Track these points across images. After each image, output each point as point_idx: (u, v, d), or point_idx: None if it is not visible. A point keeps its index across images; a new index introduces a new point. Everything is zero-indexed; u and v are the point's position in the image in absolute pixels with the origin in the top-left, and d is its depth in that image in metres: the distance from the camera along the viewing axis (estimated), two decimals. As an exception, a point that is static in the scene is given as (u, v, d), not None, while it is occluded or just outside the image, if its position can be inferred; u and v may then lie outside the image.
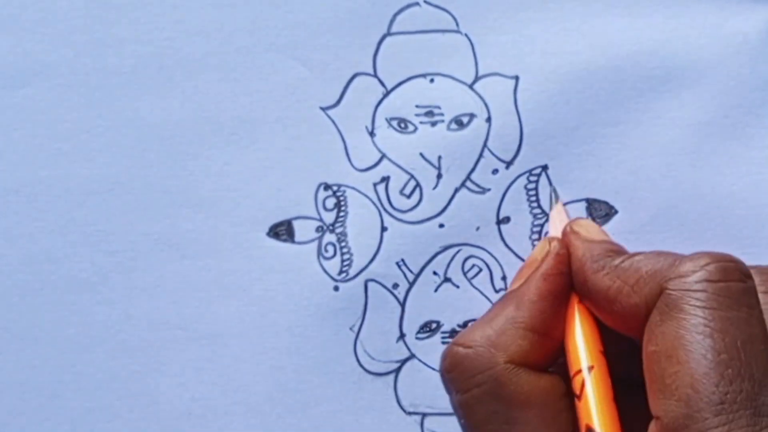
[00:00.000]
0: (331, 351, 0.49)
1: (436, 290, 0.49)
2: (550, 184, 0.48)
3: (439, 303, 0.49)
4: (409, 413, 0.49)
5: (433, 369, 0.49)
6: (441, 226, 0.49)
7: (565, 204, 0.48)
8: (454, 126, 0.49)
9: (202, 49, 0.49)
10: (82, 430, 0.49)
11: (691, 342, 0.36)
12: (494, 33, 0.49)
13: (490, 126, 0.49)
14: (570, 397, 0.41)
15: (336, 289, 0.49)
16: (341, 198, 0.49)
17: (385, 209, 0.49)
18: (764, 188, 0.48)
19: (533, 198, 0.49)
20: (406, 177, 0.49)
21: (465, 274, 0.49)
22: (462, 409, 0.42)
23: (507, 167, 0.49)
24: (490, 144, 0.49)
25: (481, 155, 0.49)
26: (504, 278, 0.49)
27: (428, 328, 0.49)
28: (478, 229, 0.49)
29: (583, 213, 0.48)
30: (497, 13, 0.49)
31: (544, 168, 0.49)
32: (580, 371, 0.40)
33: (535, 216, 0.49)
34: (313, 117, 0.49)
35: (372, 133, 0.49)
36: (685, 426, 0.35)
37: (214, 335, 0.49)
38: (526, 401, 0.40)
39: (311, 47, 0.49)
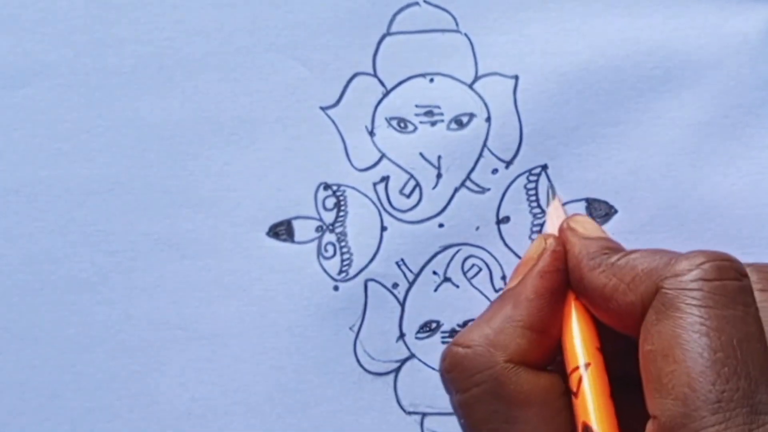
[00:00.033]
0: (331, 351, 0.49)
1: (435, 290, 0.49)
2: (549, 182, 0.48)
3: (438, 303, 0.49)
4: (409, 413, 0.49)
5: (433, 369, 0.49)
6: (441, 225, 0.49)
7: (564, 204, 0.48)
8: (453, 126, 0.49)
9: (202, 49, 0.49)
10: (82, 430, 0.49)
11: (687, 341, 0.36)
12: (494, 33, 0.49)
13: (489, 126, 0.49)
14: (569, 395, 0.41)
15: (336, 288, 0.49)
16: (341, 198, 0.49)
17: (384, 209, 0.49)
18: (764, 188, 0.48)
19: (533, 198, 0.49)
20: (406, 177, 0.49)
21: (465, 273, 0.49)
22: (462, 409, 0.42)
23: (507, 167, 0.49)
24: (489, 144, 0.49)
25: (480, 155, 0.49)
26: (504, 278, 0.49)
27: (428, 328, 0.49)
28: (477, 228, 0.49)
29: (583, 212, 0.48)
30: (497, 13, 0.49)
31: (544, 168, 0.49)
32: (576, 368, 0.40)
33: (534, 215, 0.49)
34: (313, 117, 0.49)
35: (372, 133, 0.49)
36: (683, 425, 0.35)
37: (214, 335, 0.49)
38: (526, 400, 0.40)
39: (311, 47, 0.49)
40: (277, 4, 0.49)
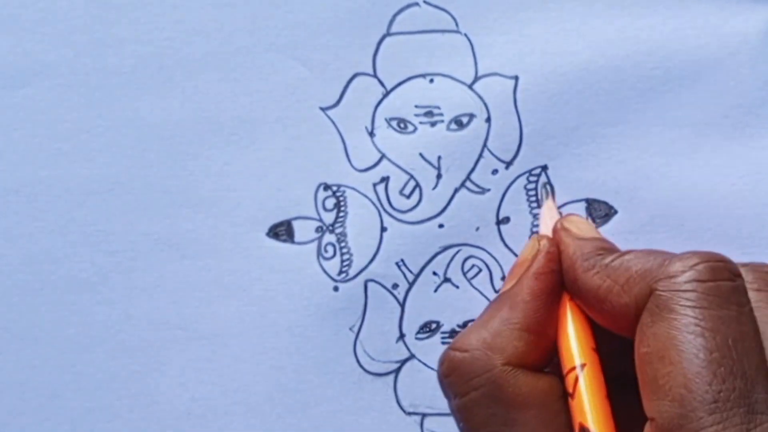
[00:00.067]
0: (331, 351, 0.49)
1: (435, 290, 0.49)
2: (548, 182, 0.48)
3: (438, 303, 0.49)
4: (409, 413, 0.49)
5: (433, 369, 0.49)
6: (441, 226, 0.49)
7: (564, 204, 0.48)
8: (453, 126, 0.49)
9: (202, 49, 0.49)
10: (82, 430, 0.49)
11: (682, 342, 0.36)
12: (494, 33, 0.49)
13: (489, 126, 0.49)
14: (568, 397, 0.41)
15: (336, 289, 0.49)
16: (341, 198, 0.49)
17: (384, 209, 0.49)
18: (764, 188, 0.48)
19: (533, 198, 0.48)
20: (406, 177, 0.49)
21: (465, 274, 0.49)
22: (461, 413, 0.42)
23: (507, 167, 0.49)
24: (489, 144, 0.49)
25: (480, 155, 0.49)
26: (504, 278, 0.49)
27: (428, 329, 0.49)
28: (477, 229, 0.49)
29: (583, 213, 0.48)
30: (497, 13, 0.49)
31: (544, 168, 0.48)
32: (572, 369, 0.40)
33: (534, 216, 0.49)
34: (313, 117, 0.49)
35: (372, 134, 0.49)
36: (680, 426, 0.35)
37: (214, 335, 0.49)
38: (525, 402, 0.40)
39: (311, 47, 0.49)
40: (277, 4, 0.49)
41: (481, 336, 0.41)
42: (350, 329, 0.49)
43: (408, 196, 0.49)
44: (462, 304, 0.49)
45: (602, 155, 0.48)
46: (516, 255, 0.49)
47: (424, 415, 0.49)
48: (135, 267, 0.49)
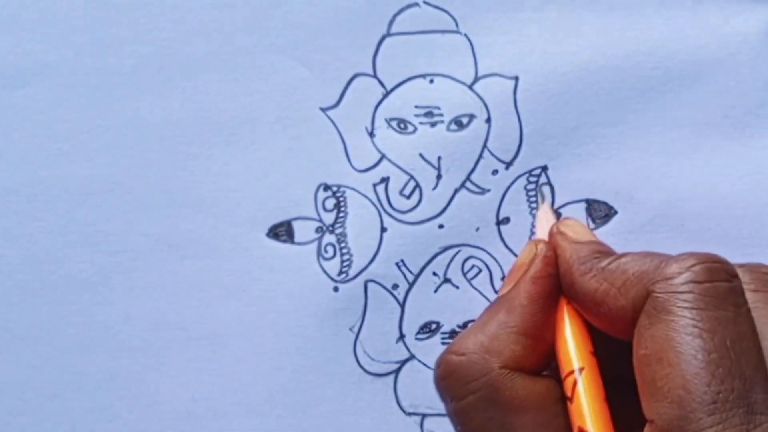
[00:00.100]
0: (331, 351, 0.49)
1: (435, 291, 0.49)
2: (549, 184, 0.48)
3: (438, 304, 0.49)
4: (409, 414, 0.49)
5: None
6: (441, 226, 0.49)
7: (565, 204, 0.48)
8: (453, 126, 0.49)
9: (202, 49, 0.49)
10: (82, 430, 0.49)
11: (680, 343, 0.36)
12: (494, 33, 0.49)
13: (489, 126, 0.49)
14: (565, 400, 0.41)
15: (336, 289, 0.49)
16: (341, 198, 0.49)
17: (384, 210, 0.49)
18: (764, 188, 0.48)
19: (533, 199, 0.48)
20: (406, 178, 0.49)
21: (465, 274, 0.49)
22: (458, 417, 0.42)
23: (507, 168, 0.49)
24: (489, 145, 0.49)
25: (480, 156, 0.49)
26: (504, 279, 0.49)
27: (428, 329, 0.49)
28: (477, 229, 0.49)
29: (583, 213, 0.48)
30: (497, 13, 0.49)
31: (544, 168, 0.48)
32: (571, 373, 0.40)
33: (534, 217, 0.49)
34: (313, 117, 0.49)
35: (372, 134, 0.49)
36: (680, 427, 0.35)
37: (214, 335, 0.49)
38: (522, 406, 0.40)
39: (311, 48, 0.49)
40: (277, 4, 0.49)
41: (478, 339, 0.41)
42: (350, 329, 0.49)
43: (408, 197, 0.49)
44: (462, 304, 0.49)
45: (602, 155, 0.48)
46: (516, 255, 0.48)
47: (424, 416, 0.49)
48: (135, 267, 0.49)
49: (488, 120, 0.48)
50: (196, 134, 0.49)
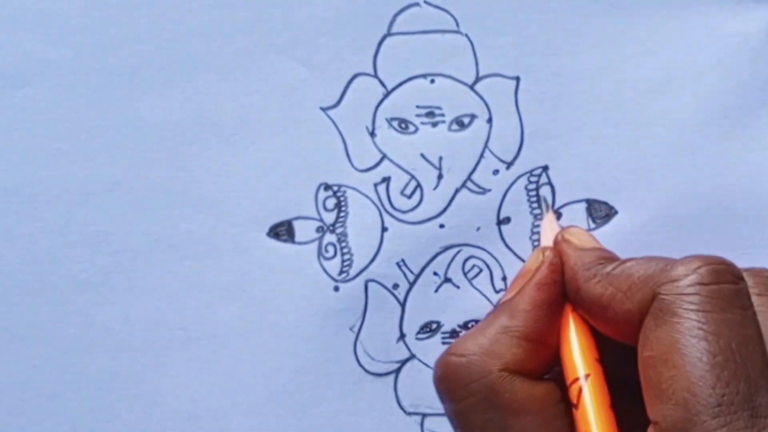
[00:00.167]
0: (332, 351, 0.49)
1: (436, 291, 0.49)
2: (549, 184, 0.48)
3: (439, 303, 0.49)
4: (410, 414, 0.49)
5: (433, 369, 0.49)
6: (441, 226, 0.49)
7: (565, 204, 0.48)
8: (455, 126, 0.49)
9: (202, 49, 0.49)
10: (82, 430, 0.49)
11: (686, 345, 0.36)
12: (495, 33, 0.49)
13: (490, 127, 0.49)
14: (565, 403, 0.41)
15: (336, 289, 0.49)
16: (342, 198, 0.49)
17: (385, 209, 0.49)
18: (764, 188, 0.48)
19: (534, 199, 0.49)
20: (407, 177, 0.49)
21: (465, 274, 0.49)
22: (457, 418, 0.42)
23: (507, 168, 0.49)
24: (490, 144, 0.49)
25: (481, 156, 0.49)
26: (504, 279, 0.49)
27: (428, 329, 0.49)
28: (478, 229, 0.49)
29: (584, 213, 0.48)
30: (497, 13, 0.49)
31: (545, 168, 0.49)
32: (576, 380, 0.40)
33: (535, 216, 0.49)
34: (314, 117, 0.49)
35: (372, 134, 0.49)
36: (684, 430, 0.35)
37: (214, 335, 0.49)
38: (521, 409, 0.40)
39: (311, 48, 0.49)
40: (277, 4, 0.49)
41: (479, 342, 0.41)
42: (350, 329, 0.49)
43: (409, 197, 0.49)
44: (462, 304, 0.49)
45: (603, 155, 0.48)
46: (516, 255, 0.49)
47: (424, 416, 0.49)
48: (135, 267, 0.49)
49: (489, 120, 0.48)
50: (196, 134, 0.49)
